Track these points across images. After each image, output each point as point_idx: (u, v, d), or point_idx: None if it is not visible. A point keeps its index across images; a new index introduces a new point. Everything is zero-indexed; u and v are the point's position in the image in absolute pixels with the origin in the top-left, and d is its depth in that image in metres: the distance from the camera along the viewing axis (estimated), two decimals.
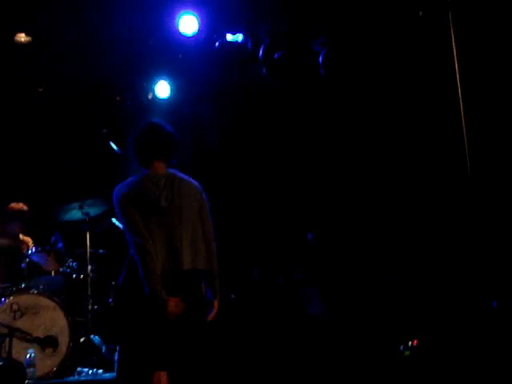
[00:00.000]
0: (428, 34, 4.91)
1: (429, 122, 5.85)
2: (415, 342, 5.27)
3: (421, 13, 3.58)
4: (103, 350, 5.80)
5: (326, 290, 6.13)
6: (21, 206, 6.20)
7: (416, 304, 5.73)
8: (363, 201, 6.46)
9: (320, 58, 6.51)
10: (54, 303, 5.53)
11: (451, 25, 3.74)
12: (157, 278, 3.77)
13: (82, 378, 5.42)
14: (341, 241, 6.50)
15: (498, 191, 5.13)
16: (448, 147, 5.50)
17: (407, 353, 5.31)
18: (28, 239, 6.35)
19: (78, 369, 5.54)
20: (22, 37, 6.53)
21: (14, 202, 6.27)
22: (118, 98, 6.84)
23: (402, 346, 5.31)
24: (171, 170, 4.10)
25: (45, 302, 5.52)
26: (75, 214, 6.22)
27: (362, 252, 6.28)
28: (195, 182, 4.18)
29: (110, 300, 6.24)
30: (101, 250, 6.47)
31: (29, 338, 5.35)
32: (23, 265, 5.86)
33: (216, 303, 4.14)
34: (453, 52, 3.81)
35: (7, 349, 5.19)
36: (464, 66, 3.67)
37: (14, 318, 5.36)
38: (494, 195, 5.12)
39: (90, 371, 5.53)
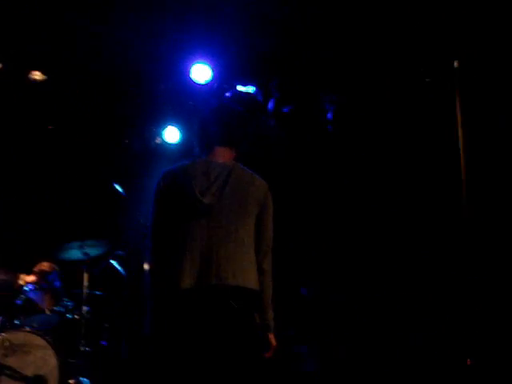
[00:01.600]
0: (435, 98, 5.00)
1: (432, 180, 5.90)
2: None
3: (428, 79, 3.63)
4: None
5: (319, 348, 6.08)
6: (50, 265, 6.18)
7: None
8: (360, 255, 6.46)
9: (329, 115, 6.60)
10: (46, 342, 5.46)
11: (457, 90, 3.81)
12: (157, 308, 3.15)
13: None
14: (335, 296, 6.47)
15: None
16: (447, 206, 5.55)
17: None
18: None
19: None
20: (37, 75, 6.64)
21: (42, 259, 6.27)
22: (126, 141, 6.89)
23: None
24: (233, 162, 3.40)
25: (37, 340, 5.45)
26: (75, 253, 6.20)
27: (357, 308, 6.25)
28: (260, 179, 3.43)
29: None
30: (98, 292, 6.45)
31: (17, 377, 5.29)
32: (19, 301, 5.83)
33: (272, 337, 3.38)
34: (457, 114, 3.87)
35: None
36: (468, 130, 3.72)
37: (5, 356, 5.31)
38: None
39: None
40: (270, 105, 6.68)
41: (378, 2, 5.18)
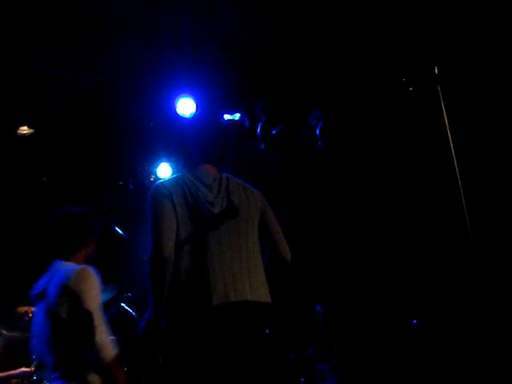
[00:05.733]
0: (420, 106, 5.06)
1: (425, 190, 5.94)
2: None
3: (411, 88, 3.67)
4: None
5: (339, 364, 6.08)
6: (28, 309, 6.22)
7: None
8: (369, 270, 6.49)
9: (317, 131, 6.64)
10: None
11: (441, 96, 3.86)
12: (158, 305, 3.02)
13: None
14: (351, 311, 6.49)
15: None
16: (446, 210, 5.56)
17: None
18: None
19: None
20: (24, 130, 6.68)
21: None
22: (120, 183, 6.90)
23: None
24: (224, 174, 3.36)
25: None
26: None
27: (372, 322, 6.27)
28: (253, 188, 3.39)
29: None
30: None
31: None
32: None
33: None
34: (444, 121, 3.91)
35: None
36: (456, 136, 3.77)
37: None
38: None
39: None
40: (258, 129, 6.72)
41: (353, 17, 5.24)
